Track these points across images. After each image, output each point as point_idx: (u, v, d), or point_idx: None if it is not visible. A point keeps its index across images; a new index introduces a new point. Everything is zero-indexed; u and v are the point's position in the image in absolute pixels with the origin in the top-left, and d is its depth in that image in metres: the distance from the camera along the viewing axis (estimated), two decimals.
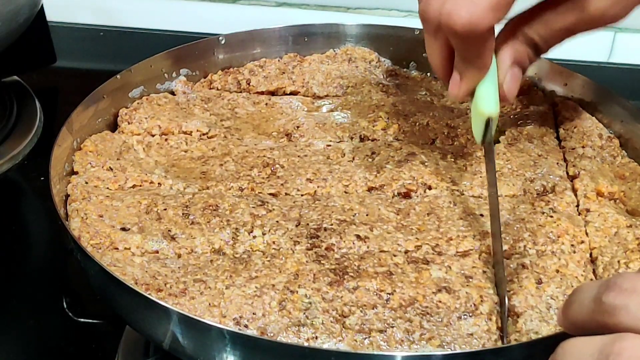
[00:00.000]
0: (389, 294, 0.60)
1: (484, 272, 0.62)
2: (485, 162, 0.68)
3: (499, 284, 0.61)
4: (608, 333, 0.42)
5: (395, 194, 0.71)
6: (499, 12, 0.59)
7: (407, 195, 0.71)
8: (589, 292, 0.44)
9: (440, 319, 0.58)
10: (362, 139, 0.79)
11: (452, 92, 0.66)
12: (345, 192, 0.71)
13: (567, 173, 0.74)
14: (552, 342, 0.46)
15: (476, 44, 0.61)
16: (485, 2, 0.58)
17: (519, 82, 0.66)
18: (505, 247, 0.65)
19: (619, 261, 0.64)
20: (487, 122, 0.64)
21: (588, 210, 0.69)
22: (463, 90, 0.65)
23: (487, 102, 0.64)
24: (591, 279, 0.63)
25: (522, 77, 0.67)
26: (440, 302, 0.59)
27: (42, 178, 0.83)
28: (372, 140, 0.78)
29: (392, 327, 0.58)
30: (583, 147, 0.77)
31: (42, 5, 0.94)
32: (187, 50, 0.87)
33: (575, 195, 0.71)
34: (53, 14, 0.99)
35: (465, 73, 0.64)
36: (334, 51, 0.91)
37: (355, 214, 0.68)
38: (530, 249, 0.65)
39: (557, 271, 0.63)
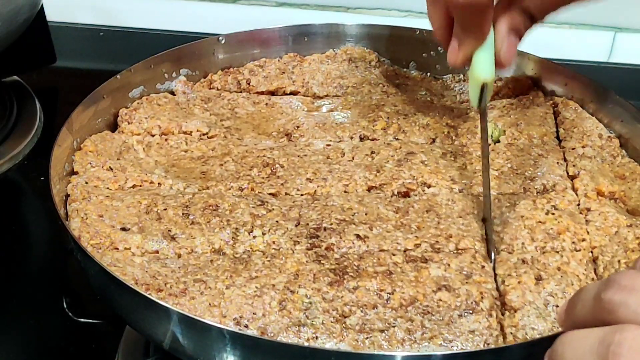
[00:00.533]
0: (389, 293, 0.60)
1: (483, 267, 0.63)
2: (480, 128, 0.71)
3: (489, 243, 0.64)
4: None
5: (395, 193, 0.71)
6: None
7: (406, 195, 0.71)
8: (590, 292, 0.45)
9: (441, 318, 0.58)
10: (362, 139, 0.79)
11: (451, 59, 0.69)
12: (345, 192, 0.71)
13: (567, 173, 0.74)
14: (552, 342, 0.46)
15: (476, 16, 0.64)
16: None
17: (515, 49, 0.70)
18: (502, 246, 0.65)
19: (619, 261, 0.64)
20: (483, 88, 0.68)
21: (588, 210, 0.69)
22: (461, 57, 0.68)
23: (483, 68, 0.68)
24: (592, 278, 0.63)
25: (518, 44, 0.70)
26: (440, 300, 0.59)
27: (42, 178, 0.83)
28: (372, 140, 0.78)
29: (394, 326, 0.58)
30: (583, 147, 0.77)
31: (42, 5, 0.94)
32: (187, 50, 0.87)
33: (576, 194, 0.71)
34: (53, 14, 0.99)
35: (464, 41, 0.67)
36: (334, 51, 0.91)
37: (354, 213, 0.68)
38: (528, 245, 0.65)
39: (559, 269, 0.63)
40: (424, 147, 0.76)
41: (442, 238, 0.65)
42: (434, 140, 0.79)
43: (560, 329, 0.49)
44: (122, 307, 0.62)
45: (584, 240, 0.66)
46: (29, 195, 0.90)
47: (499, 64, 0.69)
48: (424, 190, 0.71)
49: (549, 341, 0.46)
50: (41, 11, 0.94)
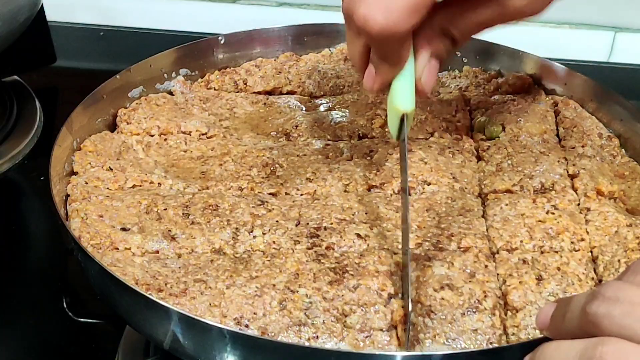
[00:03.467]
0: (390, 292, 0.60)
1: (486, 266, 0.63)
2: (400, 160, 0.66)
3: (404, 293, 0.59)
4: None
5: (395, 192, 0.71)
6: (415, 16, 0.58)
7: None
8: (578, 302, 0.44)
9: (444, 316, 0.58)
10: (360, 138, 0.79)
11: (367, 85, 0.65)
12: (345, 191, 0.71)
13: (567, 172, 0.74)
14: None
15: (393, 45, 0.61)
16: (402, 7, 0.57)
17: (436, 74, 0.66)
18: (500, 243, 0.65)
19: (619, 260, 0.64)
20: (402, 118, 0.64)
21: (588, 209, 0.69)
22: (377, 84, 0.65)
23: (402, 98, 0.64)
24: (592, 278, 0.63)
25: (438, 69, 0.66)
26: (443, 299, 0.59)
27: (42, 178, 0.83)
28: (371, 138, 0.78)
29: (395, 326, 0.58)
30: (583, 146, 0.77)
31: (42, 5, 0.94)
32: (186, 50, 0.87)
33: (576, 193, 0.71)
34: (53, 14, 0.99)
35: (380, 69, 0.64)
36: (330, 50, 0.91)
37: (354, 212, 0.68)
38: (526, 244, 0.65)
39: (558, 269, 0.63)
40: (421, 144, 0.76)
41: (444, 237, 0.65)
42: (431, 134, 0.79)
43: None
44: (123, 307, 0.62)
45: (582, 240, 0.66)
46: (29, 195, 0.90)
47: (419, 92, 0.65)
48: (424, 189, 0.71)
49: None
50: (41, 11, 0.94)
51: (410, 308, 0.57)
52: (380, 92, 0.66)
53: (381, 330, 0.58)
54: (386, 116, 0.79)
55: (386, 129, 0.75)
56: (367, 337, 0.57)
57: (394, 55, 0.62)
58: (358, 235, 0.65)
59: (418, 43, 0.64)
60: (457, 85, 0.88)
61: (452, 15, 0.64)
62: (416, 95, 0.65)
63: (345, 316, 0.58)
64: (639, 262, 0.45)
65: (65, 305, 0.73)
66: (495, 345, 0.57)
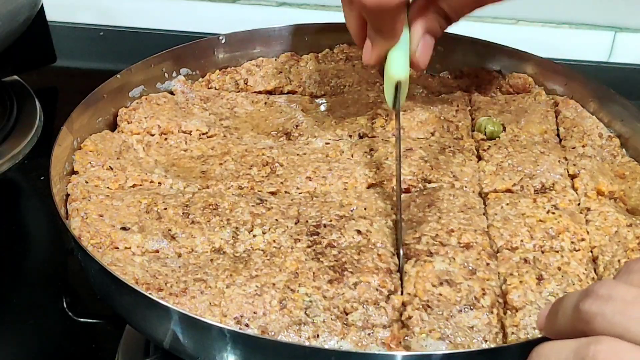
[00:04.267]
0: (390, 289, 0.60)
1: (488, 264, 0.62)
2: (395, 129, 0.70)
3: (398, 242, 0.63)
4: None
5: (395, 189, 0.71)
6: None
7: (407, 191, 0.71)
8: (571, 301, 0.44)
9: (440, 312, 0.58)
10: (360, 137, 0.79)
11: (364, 58, 0.69)
12: (345, 189, 0.71)
13: (568, 171, 0.74)
14: None
15: (386, 18, 0.64)
16: None
17: (430, 50, 0.70)
18: (501, 242, 0.65)
19: (619, 260, 0.64)
20: (397, 87, 0.67)
21: (588, 209, 0.69)
22: (374, 57, 0.68)
23: (396, 67, 0.67)
24: (593, 278, 0.63)
25: (433, 45, 0.70)
26: (441, 295, 0.59)
27: (42, 178, 0.83)
28: (371, 137, 0.78)
29: (396, 321, 0.58)
30: (583, 146, 0.77)
31: (42, 5, 0.94)
32: (187, 50, 0.87)
33: (576, 193, 0.71)
34: (53, 14, 0.99)
35: (376, 41, 0.67)
36: (331, 50, 0.91)
37: (353, 208, 0.68)
38: (527, 243, 0.65)
39: (559, 269, 0.63)
40: (422, 143, 0.76)
41: (443, 232, 0.65)
42: (432, 134, 0.79)
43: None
44: (123, 306, 0.62)
45: (583, 240, 0.66)
46: (29, 195, 0.90)
47: (414, 65, 0.69)
48: (424, 186, 0.71)
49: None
50: (41, 11, 0.94)
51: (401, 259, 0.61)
52: (377, 64, 0.69)
53: (383, 326, 0.58)
54: (387, 115, 0.80)
55: (384, 105, 0.78)
56: (368, 334, 0.57)
57: (388, 28, 0.65)
58: (358, 231, 0.65)
59: (413, 18, 0.68)
60: (458, 85, 0.88)
61: None
62: (412, 69, 0.69)
63: (346, 314, 0.58)
64: (633, 262, 0.45)
65: (65, 305, 0.73)
66: (490, 343, 0.57)
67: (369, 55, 0.69)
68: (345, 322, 0.58)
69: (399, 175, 0.66)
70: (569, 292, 0.48)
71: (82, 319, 0.72)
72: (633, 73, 1.13)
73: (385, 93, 0.69)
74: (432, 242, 0.64)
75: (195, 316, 0.56)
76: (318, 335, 0.57)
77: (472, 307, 0.59)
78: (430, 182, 0.71)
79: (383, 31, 0.66)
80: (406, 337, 0.57)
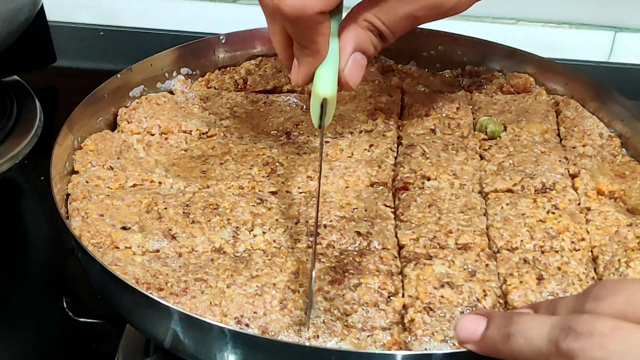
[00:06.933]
0: (391, 291, 0.60)
1: (487, 265, 0.62)
2: (319, 148, 0.67)
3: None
4: None
5: (395, 187, 0.71)
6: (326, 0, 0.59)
7: (405, 188, 0.71)
8: (538, 330, 0.45)
9: (442, 314, 0.58)
10: (361, 134, 0.78)
11: (292, 78, 0.66)
12: (346, 187, 0.71)
13: (568, 171, 0.74)
14: None
15: (307, 29, 0.61)
16: None
17: (362, 69, 0.65)
18: (501, 242, 0.65)
19: (619, 260, 0.64)
20: (322, 105, 0.64)
21: (588, 209, 0.69)
22: (301, 75, 0.65)
23: (322, 84, 0.64)
24: (593, 278, 0.63)
25: (366, 65, 0.66)
26: (442, 297, 0.59)
27: (42, 178, 0.83)
28: (371, 134, 0.78)
29: (397, 324, 0.58)
30: (584, 145, 0.77)
31: (42, 5, 0.94)
32: (187, 49, 0.87)
33: (576, 193, 0.71)
34: (53, 14, 0.99)
35: (301, 59, 0.64)
36: None
37: (353, 209, 0.68)
38: (527, 243, 0.65)
39: (559, 268, 0.63)
40: (424, 139, 0.76)
41: (441, 233, 0.65)
42: (433, 131, 0.78)
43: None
44: (123, 306, 0.61)
45: (583, 239, 0.66)
46: (29, 195, 0.90)
47: (343, 85, 0.65)
48: (423, 184, 0.71)
49: None
50: (41, 11, 0.94)
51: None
52: (305, 84, 0.66)
53: (383, 329, 0.58)
54: (389, 108, 0.80)
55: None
56: (368, 336, 0.57)
57: (309, 41, 0.62)
58: (358, 233, 0.65)
59: (343, 35, 0.64)
60: (460, 83, 0.88)
61: (376, 8, 0.63)
62: (341, 88, 0.65)
63: (347, 315, 0.58)
64: (596, 287, 0.46)
65: (65, 305, 0.73)
66: None
67: (296, 74, 0.65)
68: (345, 324, 0.58)
69: (317, 208, 0.63)
70: (525, 318, 0.47)
71: (82, 319, 0.72)
72: (633, 73, 1.13)
73: (312, 111, 0.65)
74: (430, 245, 0.64)
75: (196, 316, 0.56)
76: (318, 336, 0.57)
77: (474, 309, 0.59)
78: (429, 179, 0.71)
79: (306, 46, 0.62)
80: (409, 340, 0.57)
